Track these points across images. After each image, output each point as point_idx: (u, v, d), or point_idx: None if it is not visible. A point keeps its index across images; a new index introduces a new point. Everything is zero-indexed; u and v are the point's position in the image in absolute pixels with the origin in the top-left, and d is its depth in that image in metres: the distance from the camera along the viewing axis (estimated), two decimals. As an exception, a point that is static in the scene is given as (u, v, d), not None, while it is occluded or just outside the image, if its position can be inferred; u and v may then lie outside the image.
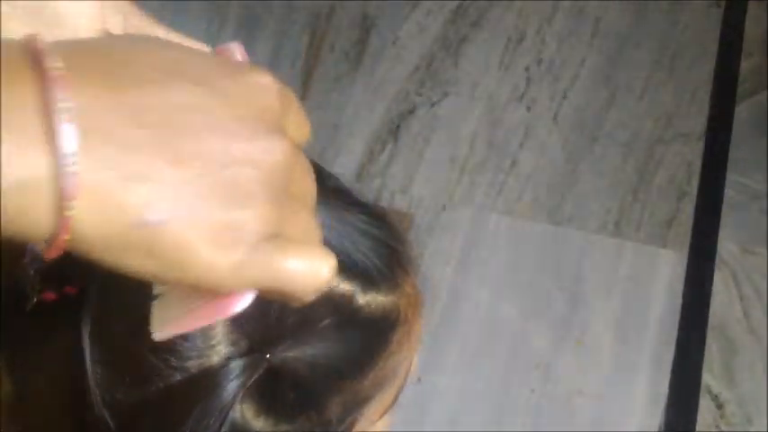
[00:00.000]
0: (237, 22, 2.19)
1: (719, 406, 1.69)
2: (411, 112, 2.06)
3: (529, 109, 2.06)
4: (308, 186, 0.39)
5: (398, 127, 2.03)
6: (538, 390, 1.71)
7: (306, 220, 0.38)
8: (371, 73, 2.11)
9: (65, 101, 0.31)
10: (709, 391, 1.71)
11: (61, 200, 0.31)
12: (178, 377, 0.46)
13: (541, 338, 1.76)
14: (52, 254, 0.33)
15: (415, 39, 2.16)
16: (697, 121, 2.04)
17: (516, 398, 1.70)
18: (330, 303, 0.48)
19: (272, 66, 2.11)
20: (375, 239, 0.50)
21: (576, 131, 2.03)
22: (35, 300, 0.47)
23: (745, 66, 2.12)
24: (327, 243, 0.42)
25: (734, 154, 2.00)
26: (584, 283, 1.83)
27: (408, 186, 1.95)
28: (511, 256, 1.86)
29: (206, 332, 0.46)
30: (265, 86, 0.37)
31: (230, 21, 2.20)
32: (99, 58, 0.34)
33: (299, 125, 0.40)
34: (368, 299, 0.50)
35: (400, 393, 0.56)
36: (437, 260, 1.84)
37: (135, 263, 0.34)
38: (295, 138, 0.39)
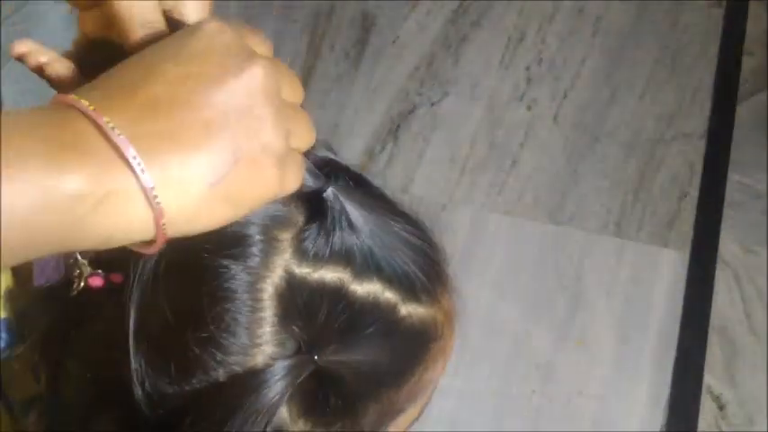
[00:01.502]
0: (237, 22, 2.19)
1: (721, 406, 1.69)
2: (411, 111, 2.05)
3: (529, 108, 2.06)
4: (295, 87, 0.46)
5: (398, 127, 2.03)
6: (538, 390, 1.71)
7: (303, 116, 0.46)
8: (371, 73, 2.11)
9: (110, 122, 0.38)
10: (711, 392, 1.70)
11: (147, 197, 0.39)
12: (222, 373, 0.46)
13: (542, 338, 1.75)
14: (158, 244, 0.41)
15: (415, 38, 2.16)
16: (698, 120, 2.04)
17: (516, 398, 1.70)
18: (374, 311, 0.49)
19: (272, 65, 2.11)
20: (418, 251, 0.52)
21: (577, 131, 2.03)
22: (81, 285, 0.48)
23: (746, 65, 2.12)
24: (372, 253, 0.48)
25: (735, 154, 1.99)
26: (584, 283, 1.82)
27: (408, 186, 1.95)
28: (511, 256, 1.85)
29: (252, 330, 0.47)
30: (217, 30, 0.44)
31: (230, 21, 2.19)
32: (110, 90, 0.41)
33: (265, 48, 0.47)
34: (409, 309, 0.51)
35: (425, 409, 0.56)
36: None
37: (217, 215, 0.42)
38: (265, 54, 0.46)
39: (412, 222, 0.53)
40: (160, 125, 0.40)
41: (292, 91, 0.46)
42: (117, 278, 0.48)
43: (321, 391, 0.48)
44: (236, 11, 2.21)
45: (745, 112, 2.05)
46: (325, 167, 0.52)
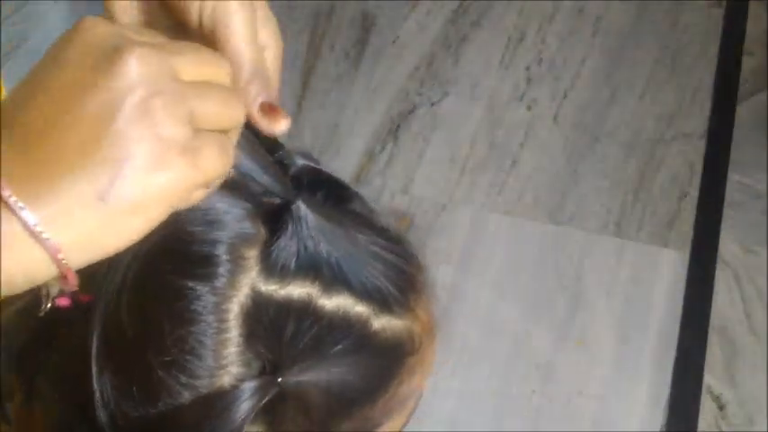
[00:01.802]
0: (237, 22, 2.19)
1: (721, 406, 1.69)
2: (411, 111, 2.05)
3: (529, 108, 2.06)
4: (201, 63, 0.42)
5: (398, 127, 2.03)
6: (538, 390, 1.71)
7: (214, 92, 0.41)
8: (371, 73, 2.11)
9: (9, 196, 0.37)
10: (711, 392, 1.70)
11: (34, 235, 0.37)
12: (187, 396, 0.45)
13: (542, 338, 1.75)
14: (70, 279, 0.39)
15: (415, 38, 2.16)
16: (698, 120, 2.04)
17: (516, 398, 1.70)
18: (345, 326, 0.48)
19: (272, 65, 2.11)
20: (389, 264, 0.50)
21: (577, 131, 2.03)
22: (48, 305, 0.46)
23: (746, 65, 2.12)
24: (339, 266, 0.47)
25: (735, 154, 1.99)
26: (584, 283, 1.82)
27: (408, 186, 1.95)
28: (511, 257, 1.85)
29: (218, 351, 0.46)
30: (88, 27, 0.40)
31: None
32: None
33: (158, 39, 0.42)
34: (383, 322, 0.49)
35: (409, 420, 0.55)
36: (437, 260, 1.83)
37: (126, 230, 0.39)
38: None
39: (385, 235, 0.51)
40: (34, 155, 0.37)
41: (196, 68, 0.41)
42: (85, 298, 0.47)
43: (288, 412, 0.47)
44: (236, 11, 2.21)
45: (745, 112, 2.05)
46: (304, 177, 0.51)
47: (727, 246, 1.87)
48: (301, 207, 0.47)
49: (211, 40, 0.45)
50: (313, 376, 0.47)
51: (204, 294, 0.45)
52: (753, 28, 2.18)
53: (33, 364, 0.49)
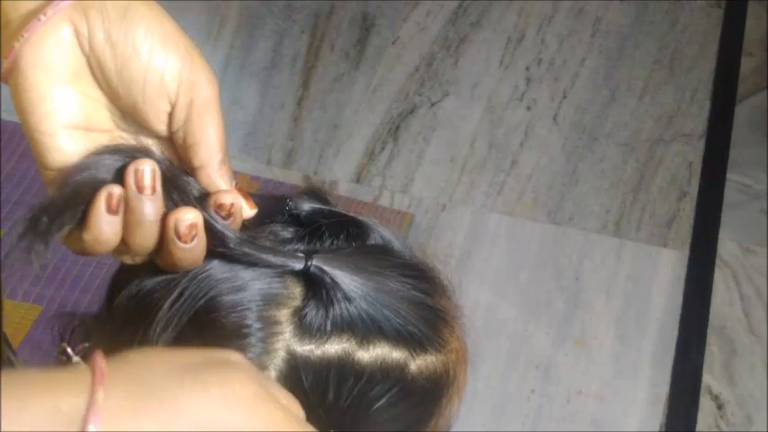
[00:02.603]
0: (237, 22, 2.19)
1: (720, 406, 1.69)
2: (411, 112, 2.06)
3: (529, 109, 2.06)
4: None
5: (398, 127, 2.03)
6: (538, 390, 1.71)
7: None
8: (371, 73, 2.11)
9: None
10: (710, 391, 1.71)
11: None
12: None
13: (541, 338, 1.76)
14: None
15: (415, 39, 2.16)
16: (697, 120, 2.04)
17: (516, 398, 1.70)
18: (384, 375, 0.48)
19: (273, 66, 2.11)
20: (418, 303, 0.50)
21: (577, 131, 2.03)
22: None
23: (746, 66, 2.12)
24: (372, 317, 0.47)
25: (734, 154, 2.00)
26: (584, 282, 1.83)
27: (408, 186, 1.95)
28: (511, 256, 1.86)
29: None
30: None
31: (230, 21, 2.20)
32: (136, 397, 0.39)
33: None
34: (419, 363, 0.50)
35: None
36: (437, 260, 1.84)
37: None
38: None
39: (408, 273, 0.51)
40: None
41: None
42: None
43: None
44: (238, 11, 2.21)
45: (744, 112, 2.06)
46: (312, 222, 0.51)
47: (726, 245, 1.87)
48: (319, 268, 0.47)
49: (179, 144, 0.47)
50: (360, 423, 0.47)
51: None
52: (752, 29, 2.18)
53: None
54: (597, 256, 1.86)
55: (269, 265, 0.48)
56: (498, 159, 1.99)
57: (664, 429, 1.67)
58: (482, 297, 1.80)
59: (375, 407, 0.48)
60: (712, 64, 2.12)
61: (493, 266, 1.84)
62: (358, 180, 1.95)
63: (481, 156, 2.00)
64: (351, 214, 0.53)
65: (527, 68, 2.12)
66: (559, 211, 1.92)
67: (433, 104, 2.06)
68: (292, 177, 1.94)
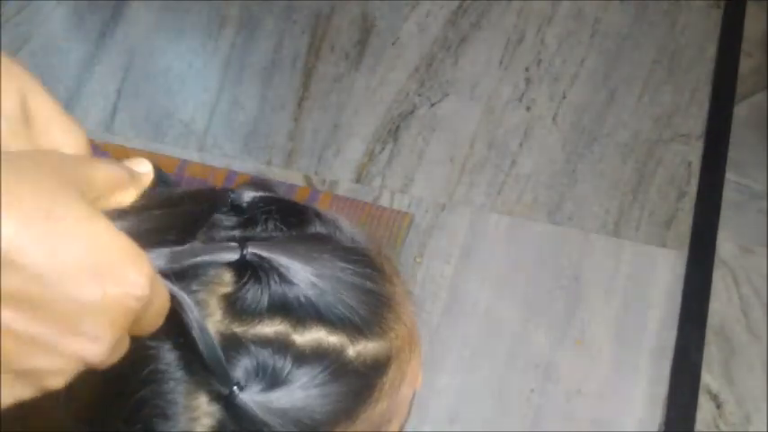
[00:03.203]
0: (237, 22, 2.20)
1: (719, 405, 1.70)
2: (411, 112, 2.06)
3: (528, 109, 2.07)
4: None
5: (398, 127, 2.04)
6: (538, 390, 1.71)
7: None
8: (371, 73, 2.11)
9: None
10: (709, 391, 1.71)
11: None
12: None
13: (541, 338, 1.76)
14: None
15: (415, 39, 2.17)
16: (696, 120, 2.05)
17: (516, 398, 1.70)
18: (319, 358, 0.48)
19: (273, 66, 2.12)
20: (358, 288, 0.50)
21: (576, 131, 2.03)
22: None
23: (745, 66, 2.13)
24: (309, 301, 0.46)
25: (733, 154, 2.00)
26: (583, 282, 1.83)
27: (408, 186, 1.96)
28: (511, 256, 1.86)
29: (189, 404, 0.46)
30: None
31: (230, 21, 2.20)
32: None
33: None
34: (358, 349, 0.49)
35: (403, 427, 0.56)
36: (437, 260, 1.84)
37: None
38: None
39: (351, 258, 0.51)
40: None
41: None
42: None
43: None
44: (238, 11, 2.21)
45: (743, 112, 2.06)
46: (257, 210, 0.51)
47: (725, 245, 1.87)
48: (257, 255, 0.46)
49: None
50: (279, 402, 0.46)
51: (166, 351, 0.46)
52: (751, 29, 2.19)
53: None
54: (596, 256, 1.86)
55: (204, 265, 0.47)
56: (498, 159, 1.99)
57: (663, 428, 1.68)
58: (482, 297, 1.80)
59: (305, 380, 0.47)
60: (711, 64, 2.13)
61: (493, 266, 1.85)
62: (358, 180, 1.96)
63: (481, 156, 2.00)
64: (292, 201, 0.53)
65: (526, 69, 2.12)
66: (559, 211, 1.93)
67: (432, 104, 2.07)
68: (293, 177, 1.94)
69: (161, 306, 0.42)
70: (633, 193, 1.95)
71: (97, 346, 0.38)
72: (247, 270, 0.47)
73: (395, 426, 0.54)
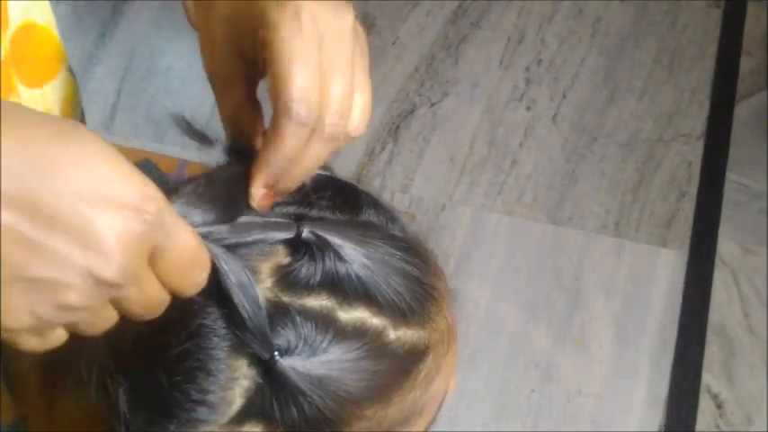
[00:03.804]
0: (237, 23, 2.19)
1: (719, 405, 1.70)
2: (411, 112, 2.06)
3: (529, 109, 2.06)
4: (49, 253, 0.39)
5: (398, 127, 2.04)
6: (538, 390, 1.71)
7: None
8: (371, 73, 2.11)
9: None
10: (709, 391, 1.71)
11: None
12: (200, 411, 0.46)
13: (541, 338, 1.76)
14: None
15: (415, 39, 2.17)
16: (697, 120, 2.05)
17: (516, 398, 1.70)
18: (359, 335, 0.48)
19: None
20: (406, 276, 0.51)
21: (576, 131, 2.03)
22: None
23: (745, 66, 2.13)
24: (359, 281, 0.48)
25: (733, 154, 2.00)
26: (583, 282, 1.83)
27: (408, 186, 1.95)
28: (511, 256, 1.86)
29: (230, 364, 0.46)
30: None
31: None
32: None
33: None
34: (399, 334, 0.50)
35: (431, 425, 0.56)
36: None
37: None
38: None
39: (402, 246, 0.52)
40: None
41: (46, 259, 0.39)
42: None
43: (291, 407, 0.47)
44: (237, 11, 2.21)
45: (743, 112, 2.06)
46: (317, 188, 0.52)
47: (726, 245, 1.87)
48: (313, 233, 0.48)
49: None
50: (317, 371, 0.47)
51: (213, 309, 0.46)
52: (751, 28, 2.19)
53: (53, 381, 0.50)
54: (597, 256, 1.86)
55: (259, 241, 0.48)
56: (498, 159, 1.99)
57: (663, 429, 1.67)
58: (482, 297, 1.80)
59: (343, 354, 0.48)
60: (712, 64, 2.13)
61: (493, 266, 1.85)
62: (358, 180, 1.93)
63: (481, 156, 2.00)
64: (349, 183, 0.54)
65: (527, 68, 2.12)
66: (559, 211, 1.92)
67: (432, 104, 2.07)
68: (292, 177, 1.94)
69: (190, 254, 0.43)
70: (633, 193, 1.95)
71: (106, 261, 0.39)
72: (302, 247, 0.48)
73: (422, 424, 0.55)
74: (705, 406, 1.69)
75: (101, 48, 2.15)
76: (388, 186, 1.95)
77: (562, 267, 1.85)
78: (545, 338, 1.76)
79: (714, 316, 1.79)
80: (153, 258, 0.41)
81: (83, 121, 0.77)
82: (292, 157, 0.49)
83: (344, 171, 1.98)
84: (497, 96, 2.08)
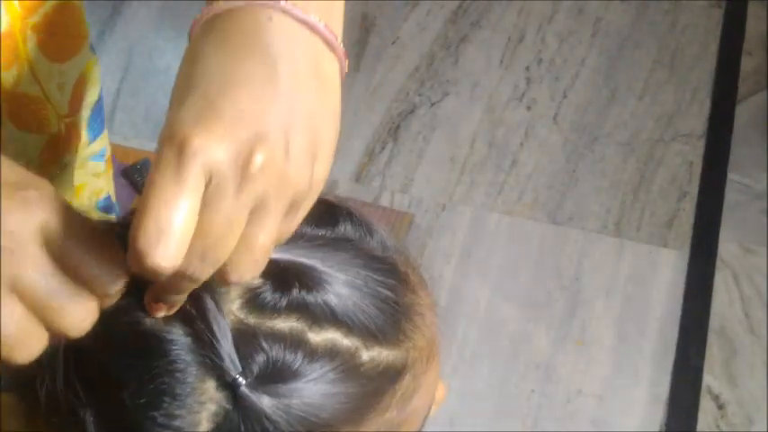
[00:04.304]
0: (237, 22, 2.19)
1: (720, 406, 1.69)
2: (411, 112, 2.06)
3: (529, 109, 2.06)
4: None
5: (398, 127, 2.03)
6: (538, 390, 1.71)
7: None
8: (371, 73, 2.11)
9: None
10: (710, 392, 1.71)
11: None
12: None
13: (541, 338, 1.76)
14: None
15: (415, 39, 2.16)
16: (697, 120, 2.04)
17: (516, 398, 1.70)
18: (330, 357, 0.48)
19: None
20: (381, 298, 0.50)
21: (577, 131, 2.03)
22: None
23: (746, 66, 2.12)
24: (328, 305, 0.46)
25: (734, 154, 2.00)
26: (584, 282, 1.82)
27: (408, 186, 1.95)
28: (511, 256, 1.86)
29: (197, 387, 0.46)
30: None
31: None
32: None
33: None
34: (372, 354, 0.49)
35: None
36: (437, 260, 1.84)
37: None
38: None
39: (376, 266, 0.51)
40: None
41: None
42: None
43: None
44: (237, 11, 2.21)
45: (744, 112, 2.06)
46: None
47: (727, 245, 1.87)
48: (281, 259, 0.47)
49: None
50: (285, 396, 0.46)
51: (182, 331, 0.46)
52: (752, 28, 2.19)
53: (33, 392, 0.49)
54: (597, 256, 1.86)
55: None
56: (498, 159, 1.99)
57: (664, 429, 1.67)
58: (482, 297, 1.80)
59: (314, 375, 0.47)
60: (712, 64, 2.12)
61: (493, 266, 1.84)
62: (358, 180, 1.95)
63: (481, 156, 2.00)
64: (325, 198, 0.52)
65: (527, 68, 2.12)
66: (559, 210, 1.92)
67: (432, 104, 2.06)
68: (292, 177, 1.94)
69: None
70: (634, 193, 1.95)
71: None
72: (271, 271, 0.47)
73: None
74: (706, 406, 1.69)
75: (100, 47, 2.14)
76: (388, 186, 1.94)
77: (562, 267, 1.84)
78: (545, 338, 1.76)
79: (715, 316, 1.78)
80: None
81: (100, 98, 0.77)
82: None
83: (344, 171, 1.99)
84: (498, 96, 2.08)
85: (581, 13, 2.20)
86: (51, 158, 0.72)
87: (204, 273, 0.41)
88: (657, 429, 1.67)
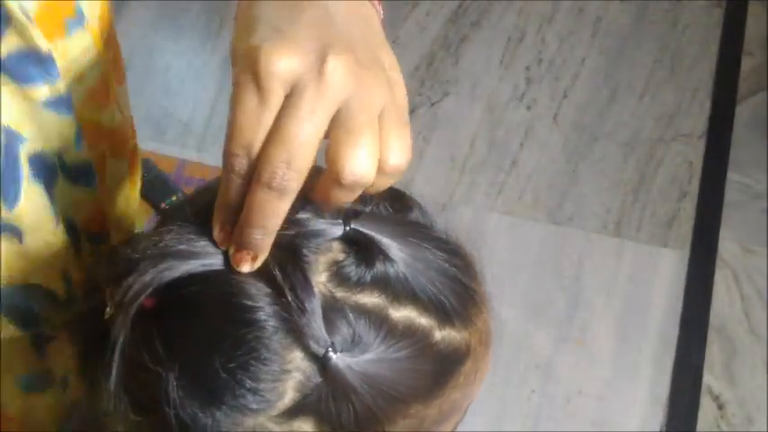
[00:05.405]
0: (237, 22, 2.19)
1: (720, 406, 1.69)
2: (411, 111, 2.05)
3: (529, 108, 2.06)
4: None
5: (398, 127, 2.03)
6: (538, 390, 1.71)
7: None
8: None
9: None
10: (710, 392, 1.71)
11: None
12: (251, 399, 0.46)
13: (542, 338, 1.76)
14: None
15: (415, 39, 2.16)
16: (698, 120, 2.04)
17: (516, 398, 1.70)
18: (408, 334, 0.49)
19: (272, 65, 2.11)
20: (451, 278, 0.53)
21: (577, 131, 2.03)
22: (112, 310, 0.47)
23: (746, 65, 2.12)
24: (408, 281, 0.49)
25: (735, 153, 2.00)
26: (584, 282, 1.82)
27: (408, 186, 1.94)
28: (511, 256, 1.86)
29: (284, 356, 0.47)
30: None
31: (229, 20, 2.19)
32: None
33: None
34: (443, 334, 0.51)
35: (457, 426, 0.57)
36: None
37: None
38: None
39: (446, 248, 0.54)
40: None
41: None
42: (148, 302, 0.47)
43: (341, 410, 0.48)
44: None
45: (744, 112, 2.06)
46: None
47: (727, 245, 1.87)
48: (359, 231, 0.49)
49: None
50: (370, 369, 0.47)
51: (272, 301, 0.47)
52: (752, 28, 2.18)
53: (98, 367, 0.49)
54: (597, 256, 1.86)
55: (311, 236, 0.49)
56: (498, 159, 1.99)
57: (664, 429, 1.67)
58: (482, 297, 1.80)
59: (392, 352, 0.49)
60: (713, 64, 2.12)
61: (493, 266, 1.84)
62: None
63: (481, 156, 2.00)
64: (396, 188, 0.56)
65: (527, 68, 2.12)
66: (559, 210, 1.92)
67: (432, 104, 2.06)
68: (292, 177, 1.94)
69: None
70: (634, 193, 1.95)
71: None
72: (354, 244, 0.49)
73: (452, 423, 0.56)
74: (706, 406, 1.69)
75: (100, 47, 2.15)
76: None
77: (563, 267, 1.84)
78: (546, 339, 1.76)
79: (715, 316, 1.78)
80: None
81: (117, 55, 0.77)
82: (234, 206, 0.47)
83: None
84: (498, 96, 2.08)
85: (581, 13, 2.20)
86: (133, 172, 0.75)
87: (291, 182, 0.45)
88: (657, 429, 1.67)
